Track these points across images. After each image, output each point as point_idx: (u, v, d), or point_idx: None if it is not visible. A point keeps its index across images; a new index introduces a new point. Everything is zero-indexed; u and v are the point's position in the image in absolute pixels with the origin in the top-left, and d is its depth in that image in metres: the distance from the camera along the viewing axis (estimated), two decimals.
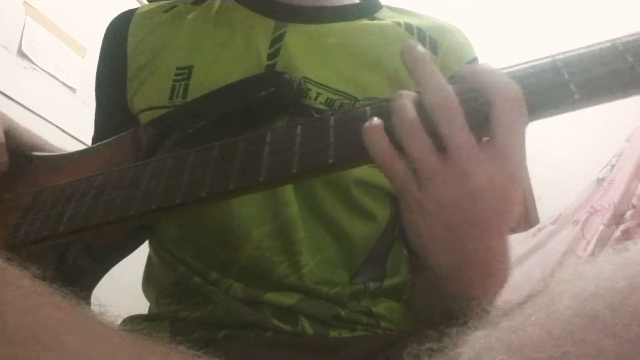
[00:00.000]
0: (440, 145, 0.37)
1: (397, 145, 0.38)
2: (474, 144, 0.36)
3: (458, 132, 0.36)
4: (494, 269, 0.41)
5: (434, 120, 0.37)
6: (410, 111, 0.37)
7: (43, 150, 0.62)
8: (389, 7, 0.64)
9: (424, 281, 0.58)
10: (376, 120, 0.38)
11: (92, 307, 0.34)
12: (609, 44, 0.38)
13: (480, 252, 0.39)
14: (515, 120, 0.36)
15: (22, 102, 1.40)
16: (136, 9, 0.68)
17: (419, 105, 0.38)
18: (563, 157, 1.88)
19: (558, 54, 0.38)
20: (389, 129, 0.38)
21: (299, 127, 0.42)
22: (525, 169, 0.38)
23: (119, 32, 0.65)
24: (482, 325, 0.26)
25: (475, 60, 0.62)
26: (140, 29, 0.64)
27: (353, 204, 0.55)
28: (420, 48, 0.39)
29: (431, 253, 0.40)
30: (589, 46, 0.38)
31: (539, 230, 1.70)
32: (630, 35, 0.38)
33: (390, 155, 0.38)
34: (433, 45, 0.60)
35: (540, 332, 0.22)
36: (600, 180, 1.62)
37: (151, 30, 0.64)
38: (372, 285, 0.57)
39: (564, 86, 0.36)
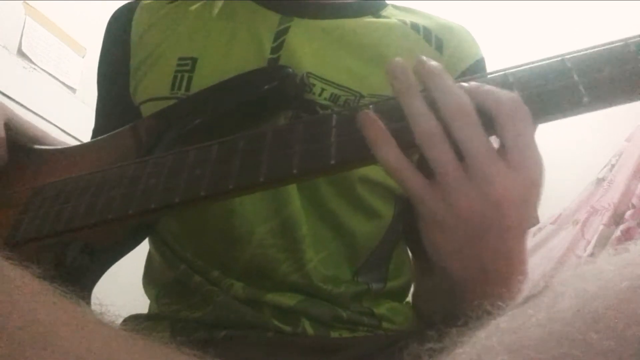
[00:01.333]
0: (459, 154, 0.36)
1: (408, 149, 0.37)
2: (494, 150, 0.36)
3: (478, 138, 0.36)
4: (512, 272, 0.40)
5: (453, 128, 0.36)
6: (431, 120, 0.36)
7: (44, 142, 0.62)
8: (394, 6, 0.64)
9: (433, 285, 0.58)
10: (382, 130, 0.37)
11: (92, 307, 0.34)
12: (620, 44, 0.36)
13: (500, 259, 0.39)
14: (521, 129, 0.36)
15: (22, 102, 1.40)
16: (139, 1, 0.67)
17: (433, 110, 0.37)
18: (563, 157, 1.88)
19: (567, 54, 0.37)
20: (396, 132, 0.37)
21: (300, 125, 0.41)
22: (542, 173, 0.37)
23: (122, 24, 0.65)
24: (482, 325, 0.26)
25: (481, 60, 0.62)
26: (144, 21, 0.64)
27: (357, 201, 0.55)
28: (433, 63, 0.38)
29: (450, 264, 0.40)
30: (600, 45, 0.37)
31: (539, 230, 1.70)
32: None
33: (407, 168, 0.37)
34: (439, 45, 0.59)
35: (541, 333, 0.22)
36: (600, 180, 1.62)
37: (155, 21, 0.63)
38: (375, 286, 0.57)
39: (573, 89, 0.35)
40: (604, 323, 0.21)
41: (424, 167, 0.38)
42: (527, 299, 0.27)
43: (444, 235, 0.38)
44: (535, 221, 1.91)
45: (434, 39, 0.60)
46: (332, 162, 0.38)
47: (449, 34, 0.61)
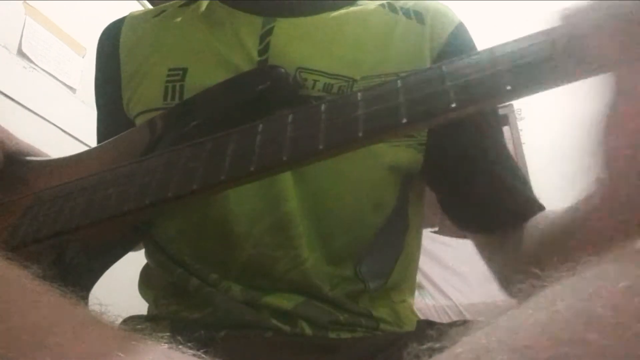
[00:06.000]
0: None
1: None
2: None
3: None
4: None
5: None
6: None
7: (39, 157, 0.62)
8: None
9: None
10: None
11: (92, 307, 0.34)
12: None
13: None
14: None
15: (22, 102, 1.40)
16: (125, 17, 0.68)
17: None
18: (563, 157, 1.88)
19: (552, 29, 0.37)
20: (388, 111, 0.37)
21: (291, 115, 0.41)
22: None
23: (111, 41, 0.66)
24: (482, 325, 0.26)
25: (461, 24, 0.63)
26: (131, 36, 0.65)
27: (367, 192, 0.55)
28: None
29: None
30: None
31: None
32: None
33: None
34: (419, 18, 0.61)
35: (541, 333, 0.22)
36: None
37: (142, 35, 0.65)
38: (372, 284, 0.57)
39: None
40: (603, 323, 0.21)
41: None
42: (527, 299, 0.27)
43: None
44: None
45: (413, 13, 0.62)
46: (321, 147, 0.38)
47: (425, 6, 0.63)
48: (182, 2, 0.67)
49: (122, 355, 0.27)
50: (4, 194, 0.56)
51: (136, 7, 1.93)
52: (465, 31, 0.63)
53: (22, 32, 1.45)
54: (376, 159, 0.54)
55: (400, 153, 0.56)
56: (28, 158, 0.60)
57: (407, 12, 0.62)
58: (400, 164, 0.56)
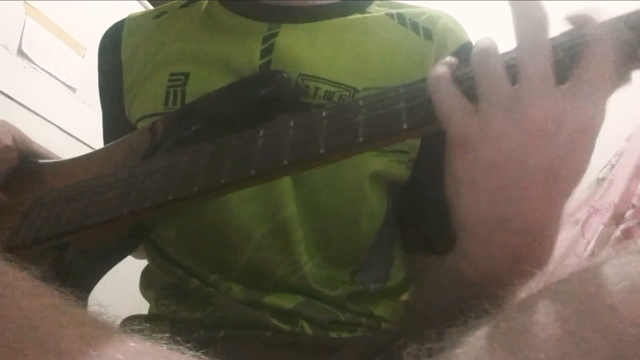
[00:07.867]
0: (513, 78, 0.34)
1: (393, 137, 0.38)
2: (551, 79, 0.33)
3: (541, 57, 0.34)
4: (533, 243, 0.36)
5: (521, 37, 0.35)
6: (494, 46, 0.36)
7: (48, 159, 0.62)
8: (378, 4, 0.63)
9: (437, 271, 0.54)
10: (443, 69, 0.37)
11: (92, 307, 0.34)
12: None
13: (524, 213, 0.34)
14: (607, 63, 0.33)
15: (22, 102, 1.40)
16: (125, 19, 0.68)
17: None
18: None
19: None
20: (388, 117, 0.37)
21: (292, 120, 0.41)
22: (597, 119, 0.33)
23: (112, 45, 0.66)
24: (481, 325, 0.26)
25: (468, 43, 0.62)
26: (132, 39, 0.65)
27: (359, 200, 0.55)
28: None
29: (466, 201, 0.37)
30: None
31: None
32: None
33: (451, 88, 0.36)
34: (427, 34, 0.60)
35: (540, 333, 0.22)
36: (600, 180, 1.62)
37: (143, 39, 0.64)
38: (373, 286, 0.57)
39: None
40: (603, 323, 0.21)
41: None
42: (527, 299, 0.27)
43: (466, 158, 0.36)
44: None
45: (422, 30, 0.60)
46: (322, 151, 0.38)
47: (434, 22, 0.61)
48: (183, 2, 0.66)
49: (121, 356, 0.27)
50: (15, 195, 0.56)
51: (136, 7, 1.92)
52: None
53: (22, 32, 1.45)
54: (364, 169, 0.54)
55: (391, 167, 0.55)
56: (41, 161, 0.60)
57: (415, 27, 0.60)
58: (387, 175, 0.55)
